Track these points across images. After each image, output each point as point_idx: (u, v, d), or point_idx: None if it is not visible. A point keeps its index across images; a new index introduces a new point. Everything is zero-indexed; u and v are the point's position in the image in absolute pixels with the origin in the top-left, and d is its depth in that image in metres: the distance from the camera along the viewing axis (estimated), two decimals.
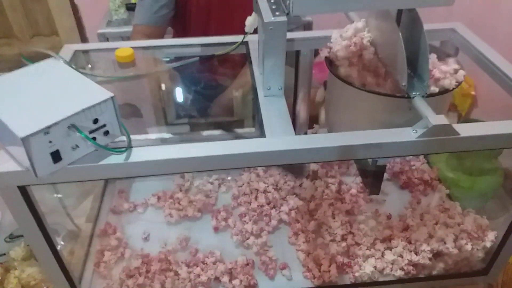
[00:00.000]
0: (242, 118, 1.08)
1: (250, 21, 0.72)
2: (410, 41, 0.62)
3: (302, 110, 0.94)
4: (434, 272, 0.78)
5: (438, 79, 0.62)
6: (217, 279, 0.77)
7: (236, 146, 0.54)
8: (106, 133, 0.55)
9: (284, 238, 0.85)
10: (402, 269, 0.78)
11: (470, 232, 0.77)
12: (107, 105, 0.53)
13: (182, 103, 1.06)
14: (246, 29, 0.73)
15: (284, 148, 0.54)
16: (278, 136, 0.57)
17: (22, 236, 1.26)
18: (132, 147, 0.54)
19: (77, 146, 0.52)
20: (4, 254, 1.21)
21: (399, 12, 0.64)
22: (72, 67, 0.61)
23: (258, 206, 0.89)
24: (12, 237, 1.28)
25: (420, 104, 0.58)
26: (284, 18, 0.58)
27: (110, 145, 0.55)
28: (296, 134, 0.57)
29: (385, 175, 1.00)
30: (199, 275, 0.76)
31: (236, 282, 0.76)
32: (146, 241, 0.86)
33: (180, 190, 0.95)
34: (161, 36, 1.17)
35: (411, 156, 1.02)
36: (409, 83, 0.61)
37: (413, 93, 0.60)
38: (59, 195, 0.90)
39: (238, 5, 1.12)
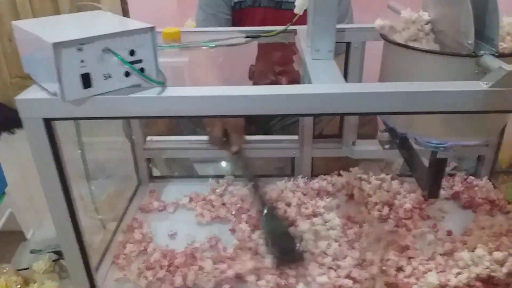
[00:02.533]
0: None
1: (300, 1, 0.69)
2: (479, 6, 0.56)
3: None
4: None
5: None
6: (242, 276, 0.67)
7: (276, 89, 0.49)
8: (142, 70, 0.51)
9: None
10: (468, 285, 0.64)
11: None
12: (146, 37, 0.50)
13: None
14: (296, 10, 0.70)
15: (331, 91, 0.48)
16: (326, 82, 0.51)
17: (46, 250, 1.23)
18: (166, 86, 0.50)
19: (109, 76, 0.49)
20: (27, 268, 1.18)
21: None
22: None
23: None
24: (36, 251, 1.25)
25: (490, 61, 0.51)
26: None
27: None
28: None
29: (444, 193, 0.88)
30: (224, 271, 0.66)
31: (262, 282, 0.65)
32: (172, 238, 0.78)
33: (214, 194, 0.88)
34: None
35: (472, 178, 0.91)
36: (476, 45, 0.55)
37: (481, 52, 0.53)
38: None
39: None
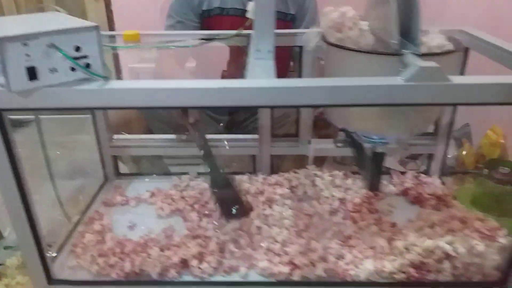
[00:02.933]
0: None
1: (253, 6, 0.74)
2: (407, 7, 0.61)
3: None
4: (442, 279, 0.68)
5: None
6: (186, 261, 0.71)
7: (208, 83, 0.53)
8: (88, 66, 0.55)
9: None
10: (403, 271, 0.69)
11: (482, 230, 0.68)
12: (91, 35, 0.54)
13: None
14: (248, 15, 0.75)
15: (259, 86, 0.53)
16: (258, 78, 0.56)
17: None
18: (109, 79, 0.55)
19: (55, 69, 0.53)
20: (2, 264, 1.20)
21: None
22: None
23: None
24: (9, 247, 1.27)
25: (410, 58, 0.55)
26: None
27: None
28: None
29: (394, 190, 0.93)
30: (170, 257, 0.70)
31: (204, 265, 0.70)
32: (131, 230, 0.82)
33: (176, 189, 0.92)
34: None
35: (423, 176, 0.96)
36: (401, 44, 0.60)
37: (405, 51, 0.58)
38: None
39: None
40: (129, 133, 1.00)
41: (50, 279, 0.69)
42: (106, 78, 0.55)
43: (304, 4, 1.31)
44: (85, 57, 0.55)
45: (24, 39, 0.50)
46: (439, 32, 0.71)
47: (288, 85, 0.53)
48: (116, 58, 2.04)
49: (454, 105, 0.54)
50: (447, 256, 0.68)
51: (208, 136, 0.94)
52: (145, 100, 0.54)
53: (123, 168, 1.08)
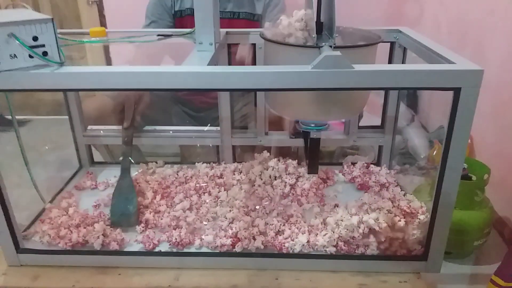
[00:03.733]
0: None
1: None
2: (327, 8, 0.70)
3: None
4: (368, 252, 0.75)
5: None
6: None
7: (146, 68, 0.61)
8: (45, 53, 0.64)
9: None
10: (334, 245, 0.76)
11: (404, 208, 0.75)
12: (47, 26, 0.63)
13: None
14: None
15: (190, 71, 0.61)
16: (191, 65, 0.64)
17: None
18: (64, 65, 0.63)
19: (15, 56, 0.62)
20: None
21: None
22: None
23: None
24: None
25: (325, 50, 0.63)
26: None
27: None
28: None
29: (343, 178, 1.00)
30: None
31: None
32: (96, 209, 0.90)
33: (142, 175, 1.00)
34: None
35: (373, 166, 1.02)
36: (320, 38, 0.68)
37: (322, 43, 0.66)
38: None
39: None
40: (105, 125, 1.09)
41: (18, 248, 0.77)
42: (60, 63, 0.64)
43: (270, 2, 1.40)
44: (42, 45, 0.63)
45: None
46: (377, 30, 0.79)
47: (213, 71, 0.61)
48: (108, 60, 2.15)
49: (356, 89, 0.61)
50: (373, 231, 0.75)
51: (180, 128, 1.03)
52: (93, 83, 0.62)
53: (98, 158, 1.16)
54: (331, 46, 0.65)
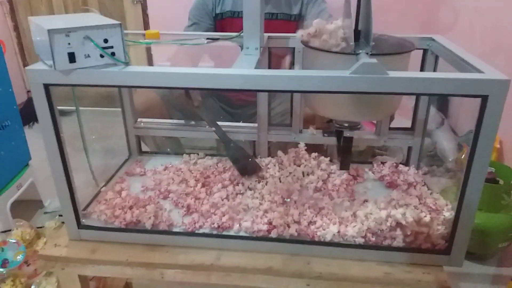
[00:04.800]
0: None
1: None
2: (364, 16, 0.76)
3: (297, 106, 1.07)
4: (395, 244, 0.81)
5: None
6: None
7: (203, 70, 0.69)
8: (113, 54, 0.73)
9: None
10: (362, 237, 0.82)
11: (429, 205, 0.81)
12: (116, 30, 0.72)
13: None
14: None
15: (240, 73, 0.68)
16: (241, 68, 0.71)
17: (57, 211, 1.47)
18: (129, 65, 0.72)
19: (88, 55, 0.71)
20: (42, 226, 1.42)
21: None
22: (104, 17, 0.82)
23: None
24: (49, 212, 1.50)
25: (362, 57, 0.70)
26: None
27: None
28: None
29: (372, 176, 1.06)
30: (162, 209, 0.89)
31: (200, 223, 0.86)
32: (143, 193, 0.99)
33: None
34: None
35: (402, 166, 1.08)
36: (357, 45, 0.74)
37: (359, 51, 0.72)
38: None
39: None
40: (151, 118, 1.18)
41: (79, 224, 0.87)
42: (126, 63, 0.73)
43: (308, 3, 1.47)
44: (111, 47, 0.72)
45: (66, 31, 0.68)
46: (411, 38, 0.85)
47: (259, 74, 0.68)
48: (150, 57, 2.27)
49: (391, 93, 0.67)
50: (399, 225, 0.81)
51: (220, 123, 1.12)
52: (155, 81, 0.71)
53: (145, 148, 1.26)
54: (367, 53, 0.71)
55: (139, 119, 1.16)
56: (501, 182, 1.25)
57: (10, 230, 1.34)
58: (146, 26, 2.29)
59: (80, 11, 2.21)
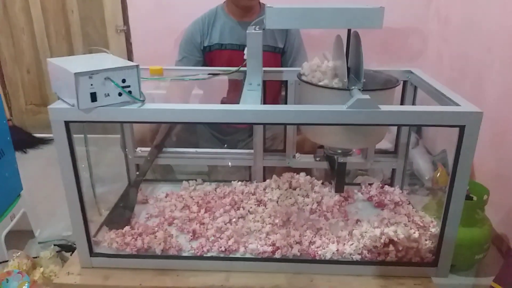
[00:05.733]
0: None
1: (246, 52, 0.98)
2: (354, 55, 0.86)
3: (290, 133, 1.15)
4: (388, 259, 0.89)
5: None
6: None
7: (210, 106, 0.77)
8: (130, 92, 0.79)
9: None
10: (359, 253, 0.90)
11: (417, 222, 0.90)
12: (133, 71, 0.79)
13: None
14: (245, 56, 0.99)
15: (249, 109, 0.76)
16: (247, 104, 0.79)
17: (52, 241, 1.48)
18: (145, 103, 0.79)
19: (108, 94, 0.77)
20: (36, 257, 1.42)
21: (348, 35, 0.88)
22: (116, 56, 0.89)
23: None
24: (43, 242, 1.50)
25: (355, 92, 0.79)
26: (259, 30, 0.84)
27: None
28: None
29: (362, 197, 1.15)
30: (172, 235, 0.95)
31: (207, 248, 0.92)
32: (147, 220, 1.04)
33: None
34: None
35: (387, 187, 1.17)
36: (350, 82, 0.84)
37: (352, 87, 0.81)
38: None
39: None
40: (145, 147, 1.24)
41: (91, 252, 0.91)
42: (142, 101, 0.79)
43: (290, 39, 1.59)
44: (128, 86, 0.79)
45: (90, 74, 0.74)
46: (391, 71, 0.95)
47: (267, 109, 0.76)
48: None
49: (382, 125, 0.76)
50: (392, 241, 0.89)
51: (216, 151, 1.19)
52: (168, 117, 0.78)
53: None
54: (360, 89, 0.81)
55: (138, 149, 1.22)
56: (475, 198, 1.36)
57: (6, 261, 1.34)
58: (129, 54, 2.35)
59: (94, 51, 2.25)
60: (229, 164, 1.23)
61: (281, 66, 1.65)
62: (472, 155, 0.79)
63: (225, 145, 1.65)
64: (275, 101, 1.20)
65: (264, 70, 1.06)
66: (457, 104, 0.79)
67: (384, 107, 0.75)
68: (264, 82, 1.11)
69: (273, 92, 1.17)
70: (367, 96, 0.75)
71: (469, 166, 0.80)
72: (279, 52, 1.63)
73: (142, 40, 2.31)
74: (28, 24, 2.36)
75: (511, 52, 1.45)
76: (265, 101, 1.14)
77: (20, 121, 2.59)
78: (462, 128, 0.76)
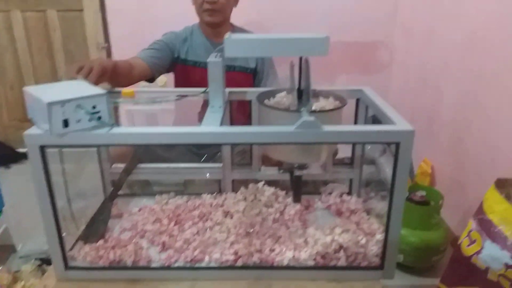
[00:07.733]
0: None
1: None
2: (304, 79, 0.95)
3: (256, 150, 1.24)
4: (339, 264, 0.98)
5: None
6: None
7: (175, 128, 0.85)
8: (99, 118, 0.87)
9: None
10: (313, 259, 0.99)
11: (364, 229, 0.99)
12: (102, 98, 0.87)
13: None
14: None
15: (207, 131, 0.85)
16: (207, 125, 0.88)
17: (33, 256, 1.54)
18: (114, 126, 0.87)
19: (80, 120, 0.85)
20: (17, 271, 1.48)
21: (300, 61, 0.97)
22: (90, 84, 0.96)
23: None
24: (25, 256, 1.56)
25: (303, 114, 0.88)
26: (220, 59, 0.93)
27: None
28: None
29: (321, 205, 1.24)
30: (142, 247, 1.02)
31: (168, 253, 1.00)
32: (121, 233, 1.12)
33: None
34: (150, 75, 1.59)
35: (345, 195, 1.26)
36: (300, 103, 0.93)
37: (302, 109, 0.91)
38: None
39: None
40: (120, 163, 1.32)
41: (66, 266, 0.98)
42: (112, 125, 0.87)
43: (260, 59, 1.68)
44: (98, 112, 0.87)
45: (62, 103, 0.82)
46: (345, 90, 1.05)
47: (223, 131, 0.85)
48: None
49: (328, 143, 0.85)
50: (342, 247, 0.98)
51: (188, 165, 1.27)
52: (137, 139, 0.86)
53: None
54: (308, 111, 0.90)
55: (113, 165, 1.29)
56: (432, 203, 1.46)
57: None
58: (132, 89, 2.44)
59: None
60: (207, 175, 1.31)
61: (254, 86, 1.74)
62: (408, 166, 0.88)
63: (202, 159, 1.73)
64: (247, 120, 1.29)
65: (229, 91, 1.15)
66: (394, 123, 0.89)
67: (327, 127, 0.85)
68: (231, 102, 1.20)
69: (244, 111, 1.26)
70: (312, 118, 0.84)
71: (406, 177, 0.90)
72: (251, 72, 1.72)
73: (123, 57, 2.38)
74: (12, 43, 2.43)
75: (464, 64, 1.57)
76: (234, 121, 1.23)
77: (4, 136, 2.64)
78: (397, 144, 0.86)
